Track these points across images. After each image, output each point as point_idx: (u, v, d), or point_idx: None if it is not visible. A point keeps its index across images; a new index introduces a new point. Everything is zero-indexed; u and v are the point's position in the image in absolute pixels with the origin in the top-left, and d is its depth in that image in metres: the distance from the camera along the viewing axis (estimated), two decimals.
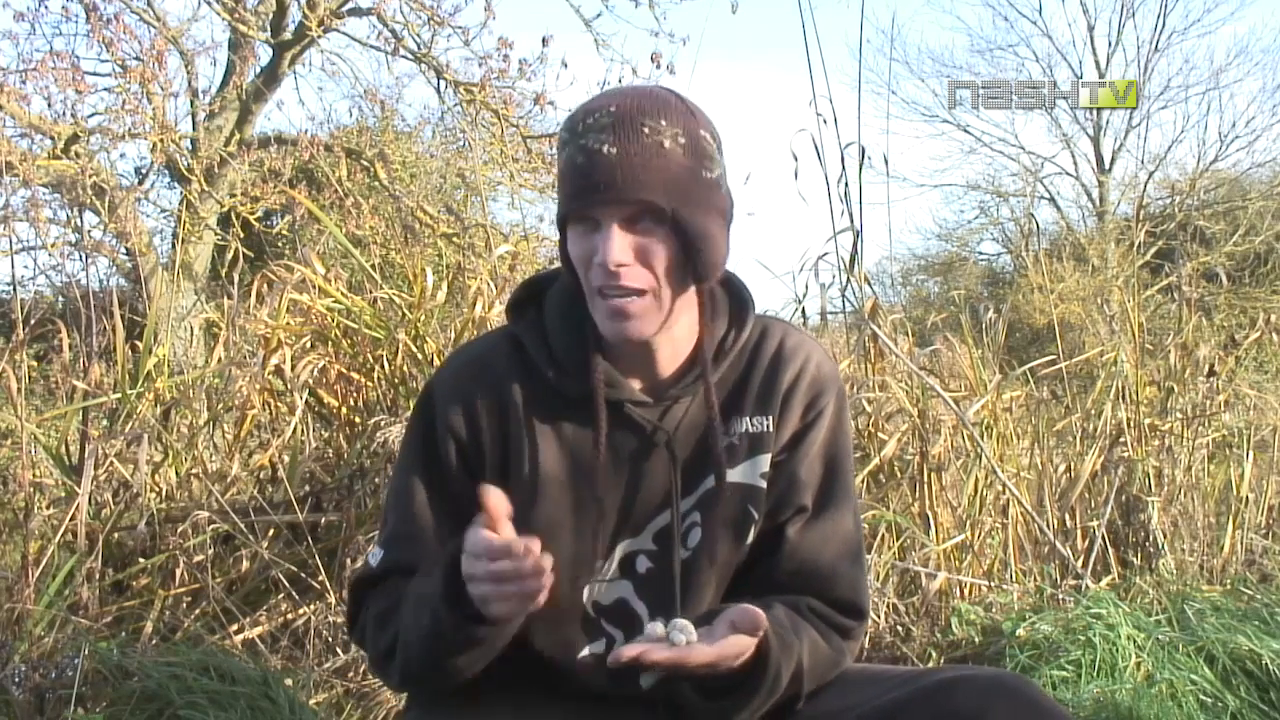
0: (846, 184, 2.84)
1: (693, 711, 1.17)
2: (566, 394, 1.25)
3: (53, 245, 6.81)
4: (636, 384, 1.26)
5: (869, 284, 3.07)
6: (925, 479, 2.84)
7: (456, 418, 1.26)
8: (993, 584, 2.80)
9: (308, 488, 2.81)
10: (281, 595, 2.59)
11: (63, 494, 2.71)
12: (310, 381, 2.87)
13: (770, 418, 1.28)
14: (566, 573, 1.22)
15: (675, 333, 1.25)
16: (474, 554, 1.06)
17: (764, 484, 1.27)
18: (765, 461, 1.27)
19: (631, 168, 1.16)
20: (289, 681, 2.30)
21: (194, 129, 8.34)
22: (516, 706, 1.22)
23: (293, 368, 2.87)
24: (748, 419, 1.27)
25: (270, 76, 8.58)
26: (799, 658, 1.17)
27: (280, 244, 8.05)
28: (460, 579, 1.09)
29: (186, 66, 8.25)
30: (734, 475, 1.26)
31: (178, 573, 2.58)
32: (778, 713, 1.20)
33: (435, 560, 1.22)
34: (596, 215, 1.17)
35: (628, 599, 1.26)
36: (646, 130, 1.17)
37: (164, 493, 2.84)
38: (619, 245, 1.16)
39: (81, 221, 7.32)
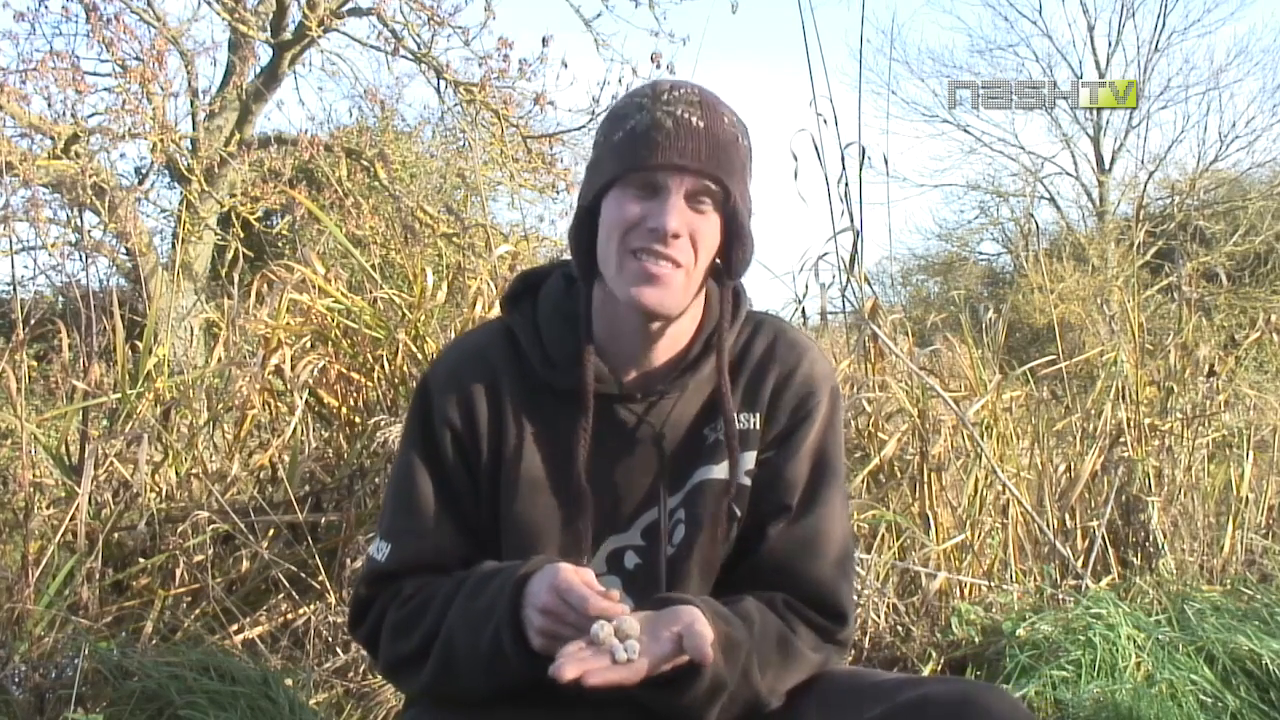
0: (846, 184, 2.84)
1: (644, 702, 1.14)
2: (557, 388, 1.25)
3: (53, 245, 6.81)
4: (627, 378, 1.27)
5: (869, 284, 3.07)
6: (925, 479, 2.83)
7: (453, 410, 1.26)
8: (993, 584, 2.80)
9: (308, 488, 2.81)
10: (281, 595, 2.59)
11: (63, 494, 2.70)
12: (310, 381, 2.86)
13: (757, 415, 1.28)
14: None
15: (677, 324, 1.25)
16: (561, 593, 1.08)
17: (749, 481, 1.27)
18: (751, 459, 1.27)
19: (716, 145, 1.18)
20: (289, 681, 2.29)
21: (194, 129, 8.33)
22: (510, 703, 1.21)
23: (293, 368, 2.87)
24: (735, 415, 1.27)
25: (270, 76, 8.58)
26: (747, 654, 1.14)
27: (280, 244, 8.05)
28: (520, 606, 1.11)
29: (186, 66, 8.25)
30: (719, 472, 1.26)
31: (178, 573, 2.58)
32: (749, 714, 1.17)
33: (445, 554, 1.24)
34: (662, 180, 1.17)
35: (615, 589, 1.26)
36: (725, 120, 1.20)
37: (164, 493, 2.84)
38: (679, 213, 1.17)
39: (81, 221, 7.33)
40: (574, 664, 1.03)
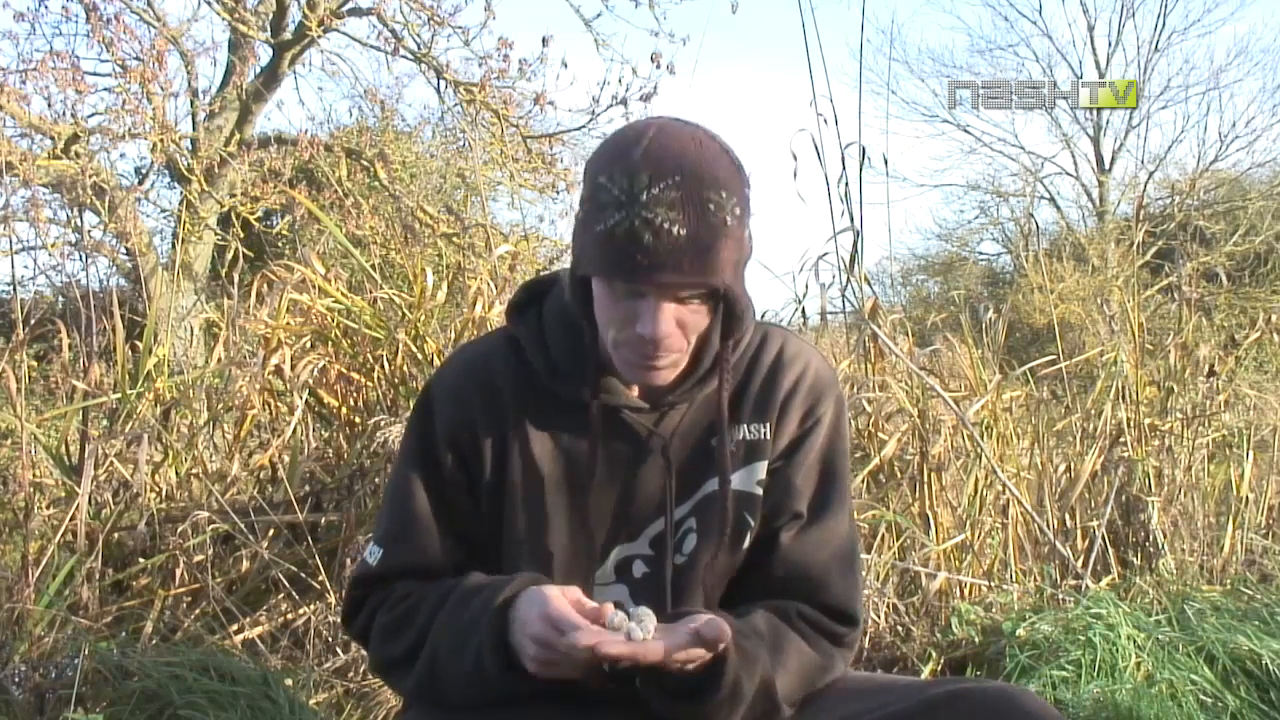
0: (846, 184, 2.84)
1: (661, 714, 1.15)
2: (563, 398, 1.25)
3: (53, 245, 6.81)
4: (634, 390, 1.26)
5: (869, 284, 3.07)
6: (925, 479, 2.83)
7: (455, 420, 1.26)
8: (993, 584, 2.80)
9: (308, 488, 2.81)
10: (281, 595, 2.59)
11: (63, 494, 2.70)
12: (310, 381, 2.86)
13: (768, 425, 1.27)
14: (561, 576, 1.22)
15: None
16: (554, 623, 1.07)
17: (760, 491, 1.27)
18: (762, 469, 1.27)
19: (700, 252, 1.10)
20: (289, 681, 2.29)
21: (194, 129, 8.34)
22: (513, 706, 1.22)
23: (293, 368, 2.87)
24: (745, 426, 1.27)
25: (270, 76, 8.58)
26: (763, 669, 1.15)
27: (280, 244, 8.06)
28: (506, 626, 1.12)
29: (186, 66, 8.26)
30: (731, 482, 1.25)
31: (178, 573, 2.58)
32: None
33: (436, 561, 1.24)
34: (646, 291, 1.13)
35: (624, 603, 1.25)
36: (712, 206, 1.11)
37: (164, 493, 2.84)
38: (667, 321, 1.14)
39: (81, 221, 7.34)
40: (589, 635, 1.04)
